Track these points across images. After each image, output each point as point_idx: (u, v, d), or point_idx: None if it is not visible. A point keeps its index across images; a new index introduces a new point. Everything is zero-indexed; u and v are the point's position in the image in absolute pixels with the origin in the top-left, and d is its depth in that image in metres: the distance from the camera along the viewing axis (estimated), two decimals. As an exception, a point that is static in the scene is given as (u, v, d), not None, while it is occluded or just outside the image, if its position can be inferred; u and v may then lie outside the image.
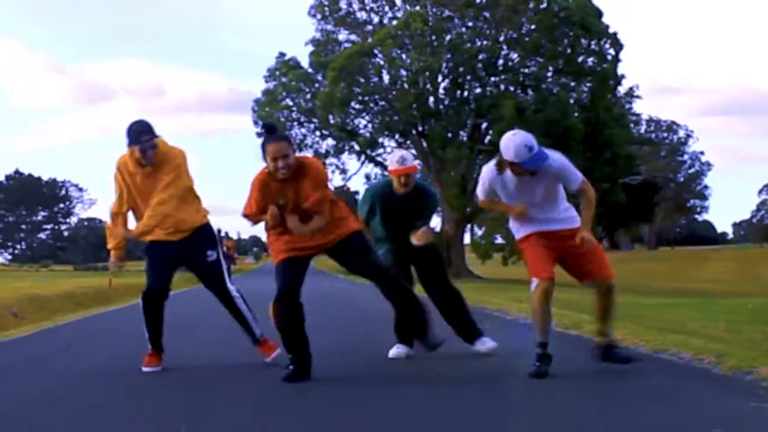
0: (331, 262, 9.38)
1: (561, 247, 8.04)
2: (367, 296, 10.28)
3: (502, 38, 56.09)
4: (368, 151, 58.67)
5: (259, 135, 59.68)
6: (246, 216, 7.93)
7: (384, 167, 49.73)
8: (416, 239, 9.12)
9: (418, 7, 57.01)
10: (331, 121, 56.42)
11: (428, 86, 56.35)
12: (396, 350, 9.27)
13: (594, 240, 8.07)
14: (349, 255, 8.10)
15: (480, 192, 8.30)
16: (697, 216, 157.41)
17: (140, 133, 8.43)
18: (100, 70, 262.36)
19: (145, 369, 8.61)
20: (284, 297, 7.70)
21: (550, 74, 57.11)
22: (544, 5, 52.78)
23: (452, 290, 9.54)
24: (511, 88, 55.44)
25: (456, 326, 9.46)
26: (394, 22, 55.47)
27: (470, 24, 57.01)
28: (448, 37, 55.08)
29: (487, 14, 54.82)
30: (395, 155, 9.36)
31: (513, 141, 7.68)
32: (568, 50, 55.03)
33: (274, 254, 7.98)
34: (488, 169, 8.17)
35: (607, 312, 8.26)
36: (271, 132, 7.84)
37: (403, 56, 54.88)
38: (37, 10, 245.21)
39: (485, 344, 9.26)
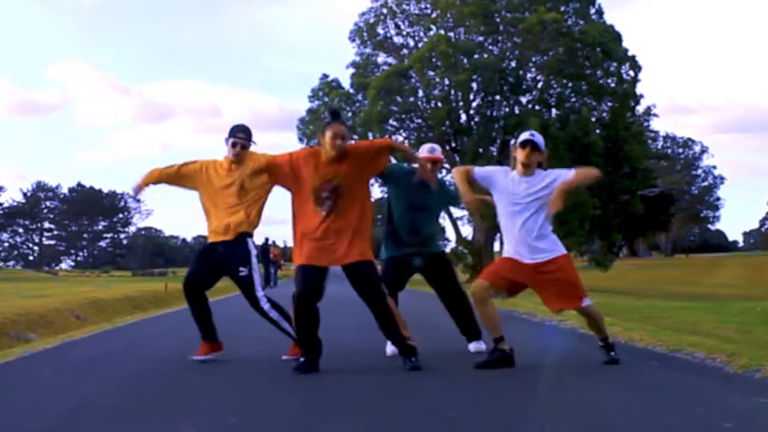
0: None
1: (534, 279, 8.19)
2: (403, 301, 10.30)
3: (530, 62, 56.24)
4: (405, 165, 58.81)
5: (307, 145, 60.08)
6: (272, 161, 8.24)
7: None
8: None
9: (443, 31, 57.27)
10: (371, 138, 56.61)
11: (461, 104, 56.53)
12: (390, 348, 9.21)
13: (557, 208, 8.11)
14: (360, 280, 8.04)
15: (479, 168, 8.60)
16: (709, 225, 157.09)
17: (237, 130, 8.94)
18: (162, 91, 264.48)
19: (193, 357, 8.99)
20: (299, 298, 7.85)
21: (572, 94, 57.13)
22: (565, 30, 52.81)
23: (461, 293, 9.57)
24: (537, 107, 55.51)
25: (459, 324, 9.57)
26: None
27: (497, 47, 57.16)
28: (476, 57, 55.20)
29: (518, 39, 54.94)
30: (426, 145, 9.53)
31: (526, 131, 8.48)
32: (589, 71, 55.06)
33: (295, 257, 8.08)
34: (499, 166, 8.74)
35: (595, 324, 8.38)
36: (335, 116, 8.07)
37: (436, 78, 55.08)
38: (104, 35, 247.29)
39: (478, 345, 9.37)
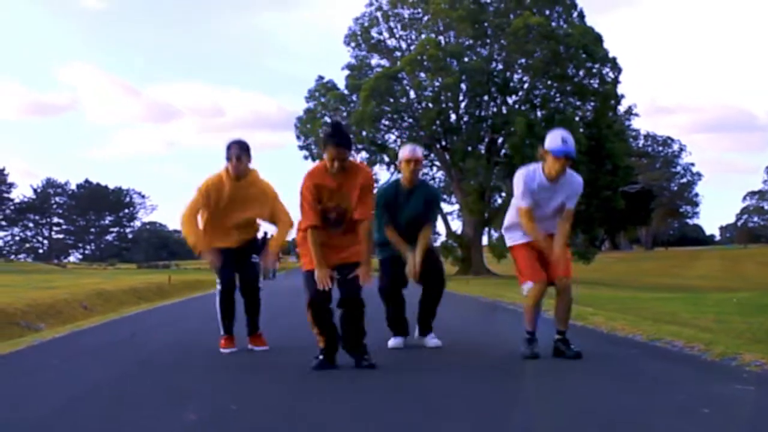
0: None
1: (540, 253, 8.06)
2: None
3: (516, 64, 56.40)
4: (397, 163, 59.08)
5: (301, 147, 60.22)
6: (306, 227, 7.47)
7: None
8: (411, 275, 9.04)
9: (433, 35, 57.48)
10: (364, 136, 56.64)
11: (450, 104, 56.65)
12: (394, 341, 9.25)
13: (566, 250, 8.12)
14: (342, 275, 7.51)
15: (522, 197, 7.96)
16: (688, 220, 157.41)
17: (229, 147, 8.82)
18: (168, 92, 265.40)
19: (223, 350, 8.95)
20: (314, 303, 7.43)
21: (557, 94, 57.31)
22: (549, 33, 52.96)
23: (441, 292, 9.34)
24: (523, 107, 55.66)
25: (420, 315, 9.39)
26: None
27: (485, 50, 57.31)
28: (465, 60, 55.29)
29: (504, 42, 55.06)
30: (407, 146, 9.29)
31: (559, 131, 7.95)
32: (573, 73, 55.24)
33: (304, 259, 7.70)
34: (525, 171, 8.04)
35: (565, 315, 8.17)
36: (336, 130, 7.50)
37: (426, 80, 55.20)
38: (112, 38, 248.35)
39: (432, 340, 9.28)
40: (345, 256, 7.56)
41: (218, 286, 9.11)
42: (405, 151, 9.16)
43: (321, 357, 7.61)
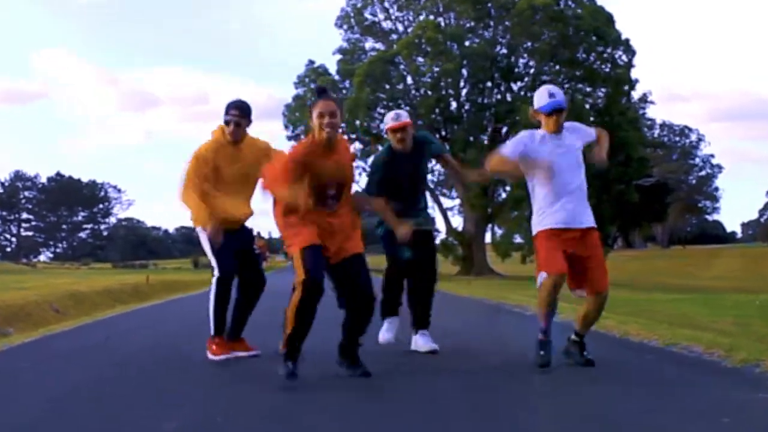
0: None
1: (572, 249, 7.83)
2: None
3: (521, 47, 56.36)
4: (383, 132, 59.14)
5: (289, 138, 60.14)
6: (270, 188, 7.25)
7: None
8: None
9: (432, 16, 57.42)
10: (358, 125, 56.57)
11: (450, 91, 56.56)
12: (384, 335, 9.16)
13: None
14: (350, 270, 7.27)
15: (508, 147, 7.98)
16: (707, 216, 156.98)
17: (230, 107, 8.77)
18: (147, 78, 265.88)
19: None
20: (312, 283, 6.87)
21: (566, 80, 57.17)
22: (556, 11, 52.91)
23: (432, 281, 9.28)
24: (529, 94, 55.58)
25: (415, 312, 9.23)
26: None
27: (488, 32, 57.28)
28: (466, 44, 55.25)
29: (508, 23, 55.02)
30: (390, 114, 9.21)
31: (544, 87, 8.05)
32: (583, 56, 55.16)
33: (294, 239, 7.18)
34: (526, 131, 8.10)
35: (591, 322, 8.09)
36: (321, 93, 7.43)
37: (425, 65, 55.18)
38: (88, 23, 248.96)
39: (427, 344, 9.06)
40: (351, 246, 7.34)
41: (215, 275, 8.77)
42: (389, 120, 9.11)
43: (290, 363, 7.07)
